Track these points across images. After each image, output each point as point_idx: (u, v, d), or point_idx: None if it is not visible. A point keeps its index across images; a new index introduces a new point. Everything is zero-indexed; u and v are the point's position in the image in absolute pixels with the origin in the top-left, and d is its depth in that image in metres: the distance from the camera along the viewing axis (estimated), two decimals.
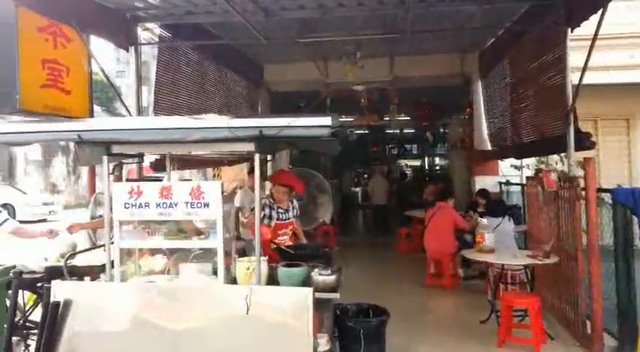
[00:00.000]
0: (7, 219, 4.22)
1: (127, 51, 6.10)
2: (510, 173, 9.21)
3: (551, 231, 5.60)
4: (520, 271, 5.98)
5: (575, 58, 5.35)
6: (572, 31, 5.35)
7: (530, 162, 8.95)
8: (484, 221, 6.06)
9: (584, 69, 5.04)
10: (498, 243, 5.81)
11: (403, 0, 5.49)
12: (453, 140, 12.07)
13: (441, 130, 15.59)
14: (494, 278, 6.00)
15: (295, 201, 5.18)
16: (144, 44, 6.33)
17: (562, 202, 5.30)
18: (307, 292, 3.04)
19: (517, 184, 8.76)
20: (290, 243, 4.81)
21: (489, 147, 8.93)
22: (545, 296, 5.67)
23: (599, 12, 4.72)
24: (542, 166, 8.05)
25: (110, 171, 3.85)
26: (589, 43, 4.88)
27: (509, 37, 7.23)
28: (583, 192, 4.79)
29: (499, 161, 9.30)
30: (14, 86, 4.18)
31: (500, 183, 9.27)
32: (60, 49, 4.79)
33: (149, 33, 6.46)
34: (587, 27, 5.03)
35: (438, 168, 19.66)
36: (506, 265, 5.62)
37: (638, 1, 8.37)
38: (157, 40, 6.47)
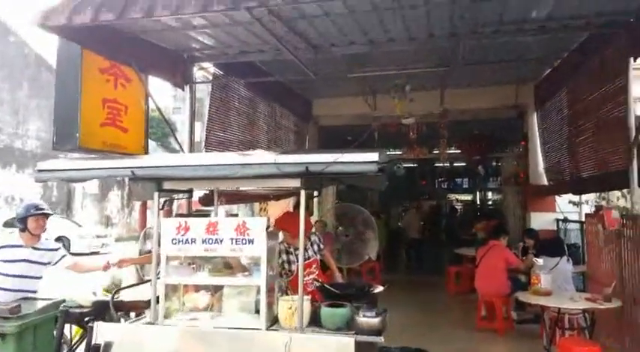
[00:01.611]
0: (65, 255, 4.35)
1: (183, 89, 6.35)
2: (568, 209, 8.73)
3: (613, 273, 5.23)
4: (578, 315, 5.57)
5: (638, 88, 5.08)
6: (635, 61, 5.11)
7: (590, 198, 8.47)
8: (540, 261, 5.74)
9: None
10: (555, 285, 5.50)
11: (454, 32, 5.43)
12: (506, 174, 11.67)
13: (494, 164, 15.15)
14: (550, 323, 5.61)
15: (314, 236, 4.90)
16: (198, 83, 6.58)
17: (625, 242, 4.95)
18: (349, 342, 2.94)
19: (575, 221, 8.29)
20: (320, 280, 4.65)
21: (545, 182, 8.55)
22: (606, 343, 5.24)
23: None
24: (603, 203, 7.59)
25: (160, 207, 3.94)
26: None
27: (566, 68, 7.00)
28: None
29: (556, 197, 8.86)
30: (75, 125, 4.41)
31: (558, 221, 8.81)
32: (120, 89, 5.04)
33: (204, 71, 6.73)
34: None
35: (490, 203, 19.02)
36: (564, 309, 5.25)
37: None
38: (210, 78, 6.71)
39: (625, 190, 6.26)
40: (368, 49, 5.95)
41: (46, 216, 4.15)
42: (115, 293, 3.82)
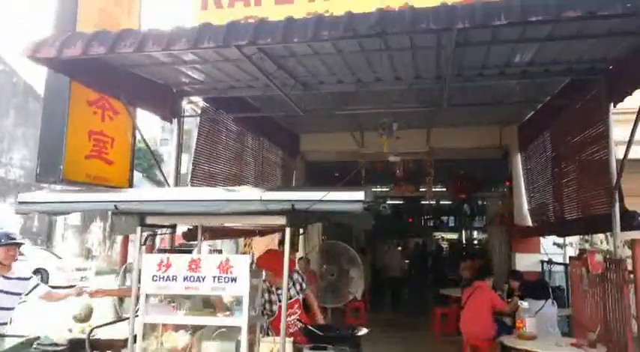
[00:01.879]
0: (38, 285, 4.24)
1: (171, 123, 6.34)
2: (553, 251, 8.76)
3: (598, 318, 5.19)
4: None
5: (619, 131, 5.19)
6: (614, 107, 5.24)
7: (574, 240, 8.52)
8: (525, 304, 5.69)
9: (629, 144, 4.86)
10: (540, 329, 5.43)
11: (440, 74, 5.55)
12: (491, 214, 11.76)
13: (480, 203, 15.27)
14: None
15: (296, 275, 4.79)
16: (187, 116, 6.59)
17: (609, 286, 4.95)
18: None
19: (560, 264, 8.31)
20: (303, 321, 4.54)
21: (530, 223, 8.60)
22: None
23: None
24: (587, 246, 7.64)
25: (143, 242, 3.87)
26: (634, 115, 4.73)
27: (549, 111, 7.15)
28: (631, 275, 4.47)
29: (541, 238, 8.90)
30: (60, 157, 4.36)
31: (543, 262, 8.81)
32: (107, 121, 5.04)
33: (192, 104, 6.75)
34: (632, 99, 4.91)
35: (475, 242, 19.04)
36: None
37: None
38: (199, 111, 6.73)
39: (608, 233, 6.32)
40: (356, 88, 6.03)
41: (18, 245, 4.07)
42: (91, 331, 3.69)
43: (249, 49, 4.48)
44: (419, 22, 3.55)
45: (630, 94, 4.89)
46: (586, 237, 8.19)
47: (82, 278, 18.50)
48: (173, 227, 4.38)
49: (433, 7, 3.62)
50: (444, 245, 19.73)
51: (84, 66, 4.53)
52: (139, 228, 3.57)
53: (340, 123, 8.75)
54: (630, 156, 4.93)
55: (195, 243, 4.77)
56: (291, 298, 4.52)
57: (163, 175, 6.43)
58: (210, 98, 6.67)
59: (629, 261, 4.56)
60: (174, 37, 4.03)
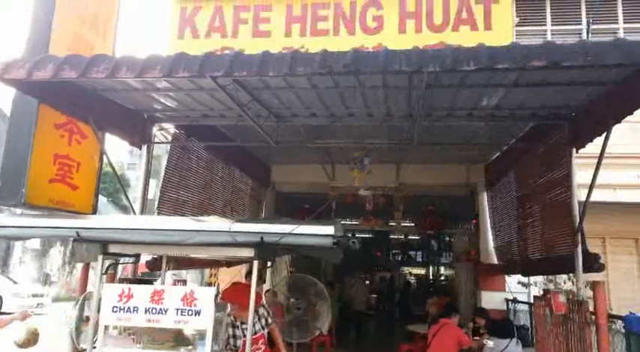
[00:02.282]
0: None
1: (140, 149, 6.25)
2: (518, 290, 8.87)
3: None
4: None
5: (582, 174, 5.37)
6: (577, 152, 5.44)
7: (538, 280, 8.67)
8: (490, 343, 5.72)
9: (591, 189, 5.03)
10: None
11: (411, 113, 5.67)
12: (458, 251, 11.89)
13: (447, 239, 15.45)
14: None
15: (262, 309, 4.70)
16: (157, 143, 6.51)
17: (572, 326, 5.02)
18: None
19: (524, 303, 8.41)
20: None
21: (496, 261, 8.72)
22: None
23: (604, 134, 4.82)
24: (551, 286, 7.77)
25: (104, 271, 3.75)
26: (595, 160, 4.91)
27: (514, 153, 7.37)
28: (593, 317, 4.56)
29: (506, 276, 9.02)
30: (23, 180, 4.23)
31: (508, 301, 8.91)
32: (74, 145, 4.93)
33: (163, 131, 6.68)
34: (594, 145, 5.11)
35: (442, 278, 19.15)
36: None
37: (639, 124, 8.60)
38: (169, 137, 6.66)
39: (571, 274, 6.45)
40: (329, 122, 6.10)
41: None
42: None
43: (225, 79, 4.50)
44: (392, 64, 3.65)
45: (591, 141, 5.12)
46: (550, 277, 8.34)
47: (38, 304, 17.67)
48: (137, 256, 4.27)
49: (406, 50, 3.73)
50: (412, 280, 19.74)
51: (53, 88, 4.45)
52: (100, 257, 3.48)
53: (312, 156, 8.80)
54: (592, 198, 5.10)
55: (159, 272, 4.65)
56: (256, 333, 4.41)
57: (129, 201, 6.29)
58: (182, 125, 6.62)
59: (592, 302, 4.64)
60: (148, 64, 4.02)
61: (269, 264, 4.35)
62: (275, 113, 5.95)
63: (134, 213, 6.04)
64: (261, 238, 3.26)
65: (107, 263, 3.98)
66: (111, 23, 6.03)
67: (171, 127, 6.71)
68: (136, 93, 5.41)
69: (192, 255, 5.01)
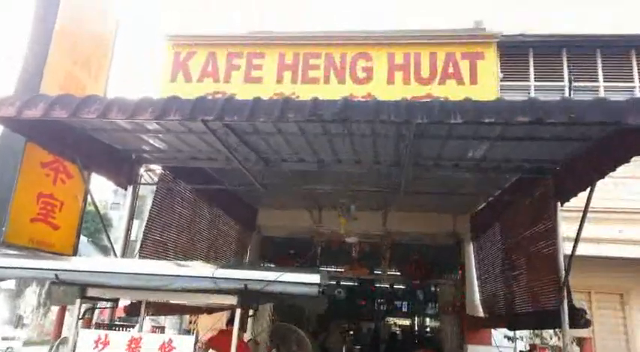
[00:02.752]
0: None
1: (126, 189, 6.18)
2: (504, 344, 8.71)
3: None
4: None
5: (567, 227, 5.40)
6: (562, 205, 5.50)
7: (525, 334, 8.54)
8: None
9: (576, 243, 5.06)
10: None
11: (398, 161, 5.73)
12: (443, 302, 11.71)
13: (433, 289, 15.23)
14: None
15: None
16: (143, 184, 6.45)
17: None
18: None
19: None
20: None
21: (482, 314, 8.60)
22: None
23: (588, 189, 4.89)
24: (537, 340, 7.66)
25: (80, 316, 3.63)
26: (578, 214, 4.95)
27: (499, 204, 7.40)
28: None
29: (492, 330, 8.87)
30: (4, 219, 4.14)
31: None
32: (59, 184, 4.87)
33: (150, 171, 6.64)
34: (578, 198, 5.17)
35: (428, 329, 18.76)
36: None
37: (623, 179, 8.76)
38: (155, 178, 6.61)
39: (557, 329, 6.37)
40: (317, 167, 6.12)
41: None
42: None
43: (215, 123, 4.54)
44: (381, 114, 3.72)
45: (576, 195, 5.19)
46: (536, 331, 8.23)
47: (7, 348, 16.91)
48: (115, 300, 4.14)
49: (395, 101, 3.82)
50: (397, 330, 19.29)
51: (42, 127, 4.44)
52: (78, 300, 3.37)
53: (299, 200, 8.77)
54: (576, 252, 5.11)
55: (137, 318, 4.49)
56: None
57: (111, 243, 6.15)
58: (169, 166, 6.60)
59: None
60: (140, 106, 4.05)
61: (251, 311, 4.24)
62: (263, 157, 5.97)
63: (115, 254, 5.90)
64: (245, 285, 3.20)
65: (85, 307, 3.86)
66: (104, 65, 6.10)
67: (157, 168, 6.68)
68: (125, 134, 5.41)
69: (173, 301, 4.88)
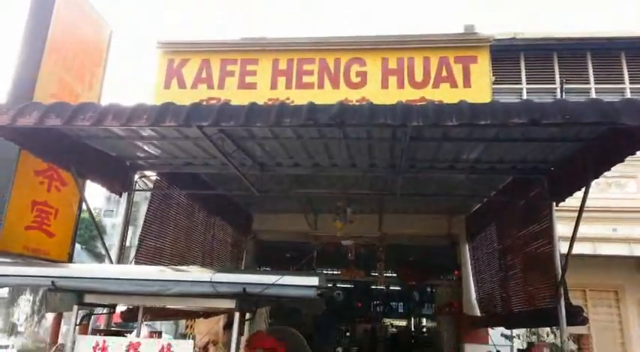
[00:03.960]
0: None
1: (120, 196, 6.16)
2: (501, 342, 8.75)
3: None
4: None
5: (562, 227, 5.44)
6: (557, 205, 5.54)
7: (521, 332, 8.58)
8: None
9: (572, 243, 5.09)
10: None
11: (394, 164, 5.75)
12: (440, 302, 11.75)
13: (429, 290, 15.27)
14: None
15: None
16: (138, 190, 6.43)
17: None
18: None
19: None
20: None
21: (478, 313, 8.63)
22: None
23: (583, 189, 4.93)
24: (534, 338, 7.69)
25: (78, 322, 3.61)
26: (576, 213, 4.98)
27: (495, 205, 7.45)
28: None
29: (489, 329, 8.90)
30: None
31: None
32: (53, 191, 4.85)
33: (144, 178, 6.62)
34: (574, 198, 5.20)
35: (425, 330, 18.80)
36: None
37: (615, 179, 8.83)
38: (150, 185, 6.60)
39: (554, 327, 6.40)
40: (313, 171, 6.13)
41: None
42: None
43: (210, 129, 4.54)
44: (377, 117, 3.73)
45: (571, 195, 5.23)
46: (533, 329, 8.26)
47: None
48: (112, 306, 4.13)
49: (391, 104, 3.84)
50: (393, 331, 19.29)
51: (36, 135, 4.42)
52: (75, 307, 3.35)
53: (294, 204, 8.77)
54: (574, 251, 5.15)
55: (133, 324, 4.48)
56: None
57: (106, 249, 6.14)
58: (164, 172, 6.58)
59: None
60: (135, 113, 4.04)
61: (248, 315, 4.23)
62: (259, 162, 5.97)
63: (111, 261, 5.87)
64: (244, 289, 3.19)
65: (81, 313, 3.84)
66: (98, 73, 6.09)
67: (152, 175, 6.66)
68: (119, 141, 5.39)
69: (171, 306, 4.86)
